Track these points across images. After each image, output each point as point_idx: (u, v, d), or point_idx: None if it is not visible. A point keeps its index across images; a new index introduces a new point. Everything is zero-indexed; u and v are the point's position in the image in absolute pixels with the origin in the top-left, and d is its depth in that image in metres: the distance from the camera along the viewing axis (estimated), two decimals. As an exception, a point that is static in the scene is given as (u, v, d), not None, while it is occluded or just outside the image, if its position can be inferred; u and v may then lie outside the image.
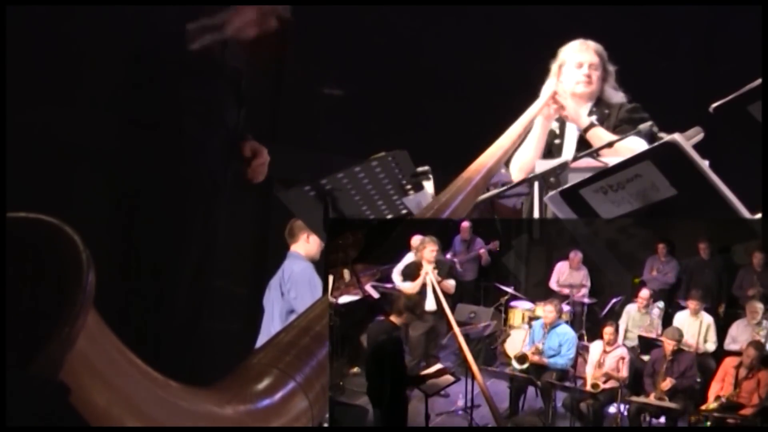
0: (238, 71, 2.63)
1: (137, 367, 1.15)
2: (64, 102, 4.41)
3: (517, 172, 3.28)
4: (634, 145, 2.87)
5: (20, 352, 0.97)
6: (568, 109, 3.27)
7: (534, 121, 3.25)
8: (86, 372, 1.02)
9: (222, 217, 2.64)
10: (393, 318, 4.06)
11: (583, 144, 3.27)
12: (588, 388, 4.80)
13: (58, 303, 0.98)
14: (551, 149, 3.37)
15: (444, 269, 5.40)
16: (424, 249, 5.33)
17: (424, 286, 5.31)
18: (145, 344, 1.20)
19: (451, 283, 5.40)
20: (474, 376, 4.14)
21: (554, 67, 3.44)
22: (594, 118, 3.31)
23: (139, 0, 2.52)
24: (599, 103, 3.40)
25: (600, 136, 3.19)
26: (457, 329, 4.34)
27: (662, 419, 4.69)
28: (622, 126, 3.27)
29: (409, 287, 5.41)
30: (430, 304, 5.28)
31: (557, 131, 3.40)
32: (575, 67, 3.37)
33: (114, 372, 1.08)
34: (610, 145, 2.95)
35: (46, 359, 0.95)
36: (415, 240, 5.76)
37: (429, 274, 5.22)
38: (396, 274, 5.85)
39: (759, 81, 1.90)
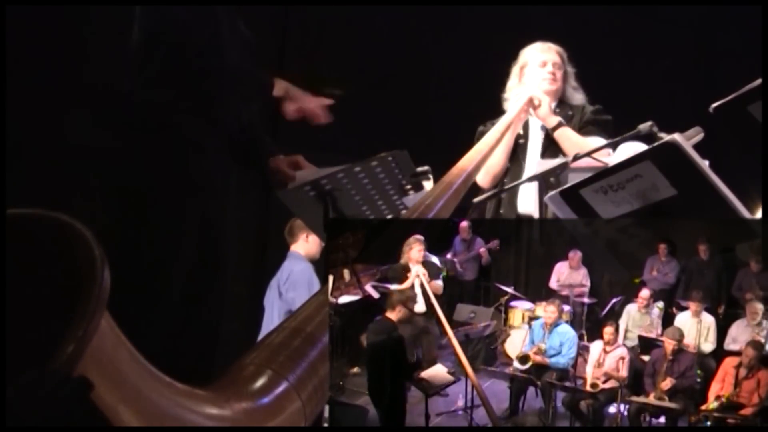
0: (242, 74, 2.63)
1: (144, 366, 1.15)
2: (64, 101, 4.41)
3: (483, 175, 3.29)
4: (631, 148, 2.87)
5: (36, 351, 0.97)
6: (542, 107, 3.27)
7: (511, 126, 3.26)
8: (97, 370, 1.02)
9: (226, 218, 2.64)
10: (388, 314, 4.07)
11: (551, 143, 3.28)
12: (588, 387, 4.81)
13: (73, 300, 0.98)
14: (516, 149, 3.37)
15: (432, 270, 5.38)
16: (410, 250, 5.31)
17: (412, 287, 5.29)
18: (145, 343, 1.19)
19: (438, 284, 5.38)
20: (469, 377, 4.14)
21: (515, 69, 3.46)
22: (559, 118, 3.32)
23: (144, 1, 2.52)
24: (561, 104, 3.40)
25: (568, 135, 3.20)
26: (449, 330, 4.33)
27: (662, 419, 4.70)
28: (587, 127, 3.28)
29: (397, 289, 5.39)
30: (419, 306, 5.26)
31: (521, 131, 3.40)
32: (539, 66, 3.38)
33: (123, 370, 1.08)
34: (609, 145, 2.95)
35: (63, 357, 0.95)
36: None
37: (420, 275, 5.21)
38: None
39: (759, 81, 1.90)
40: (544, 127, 3.33)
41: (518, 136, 3.39)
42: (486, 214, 3.43)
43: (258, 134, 2.80)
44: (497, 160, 3.26)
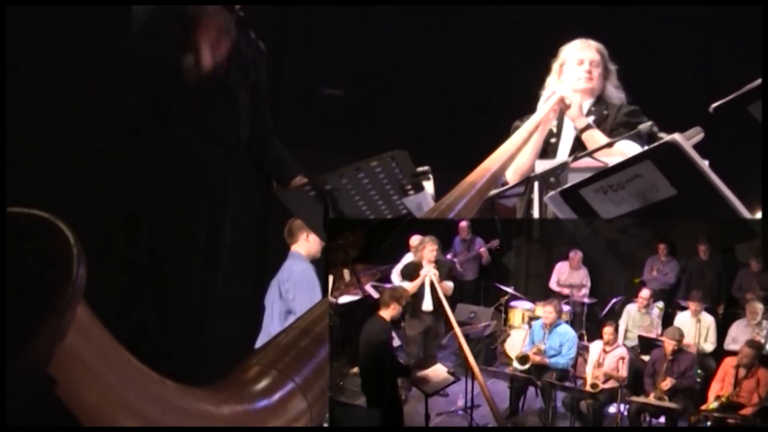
0: (239, 85, 2.65)
1: (131, 364, 1.14)
2: (68, 105, 4.42)
3: (512, 174, 3.28)
4: (627, 148, 2.87)
5: (9, 346, 0.96)
6: (572, 108, 3.27)
7: (539, 126, 3.25)
8: (76, 367, 1.01)
9: (223, 224, 2.65)
10: (382, 312, 4.05)
11: (580, 144, 3.26)
12: (588, 387, 4.80)
13: (46, 296, 0.98)
14: (547, 148, 3.36)
15: (443, 270, 5.37)
16: (423, 249, 5.31)
17: (422, 285, 5.29)
18: (146, 344, 1.19)
19: (449, 285, 5.38)
20: (475, 376, 4.13)
21: (555, 66, 3.47)
22: (592, 118, 3.31)
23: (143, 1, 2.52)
24: (599, 102, 3.40)
25: (596, 138, 3.19)
26: (458, 330, 4.33)
27: (662, 419, 4.69)
28: (618, 129, 3.26)
29: (408, 287, 5.39)
30: (426, 305, 5.25)
31: (554, 130, 3.39)
32: (576, 64, 3.39)
33: (105, 368, 1.08)
34: (609, 145, 2.95)
35: (35, 352, 0.94)
36: (414, 240, 5.75)
37: (430, 275, 5.20)
38: (395, 275, 5.83)
39: (759, 81, 1.90)
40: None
41: (551, 135, 3.38)
42: (517, 213, 3.42)
43: (278, 156, 2.85)
44: (526, 159, 3.25)
